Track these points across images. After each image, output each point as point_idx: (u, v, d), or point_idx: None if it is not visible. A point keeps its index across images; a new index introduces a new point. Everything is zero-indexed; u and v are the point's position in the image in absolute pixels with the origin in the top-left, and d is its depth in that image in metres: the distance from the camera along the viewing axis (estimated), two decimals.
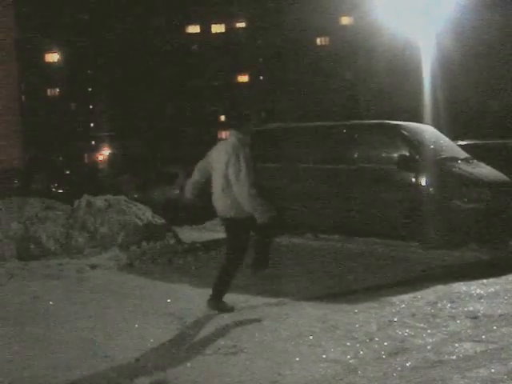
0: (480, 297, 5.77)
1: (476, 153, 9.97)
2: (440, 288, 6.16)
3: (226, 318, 5.23)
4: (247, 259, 5.55)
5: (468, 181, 8.75)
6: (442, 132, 10.49)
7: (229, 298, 5.91)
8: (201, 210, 8.97)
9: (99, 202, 9.39)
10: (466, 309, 5.34)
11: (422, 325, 4.90)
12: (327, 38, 54.71)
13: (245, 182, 5.16)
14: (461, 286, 6.20)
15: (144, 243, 8.70)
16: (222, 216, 5.48)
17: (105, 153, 56.19)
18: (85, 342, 4.63)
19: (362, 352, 4.28)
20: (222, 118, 57.30)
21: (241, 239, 5.41)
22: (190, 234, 10.50)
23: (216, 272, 5.65)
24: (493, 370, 3.72)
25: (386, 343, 4.45)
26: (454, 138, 11.19)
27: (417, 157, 9.07)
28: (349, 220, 9.53)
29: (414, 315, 5.19)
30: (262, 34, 53.25)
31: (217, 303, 5.46)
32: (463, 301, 5.62)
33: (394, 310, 5.37)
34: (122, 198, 9.83)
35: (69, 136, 53.76)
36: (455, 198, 8.65)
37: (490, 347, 4.25)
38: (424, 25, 20.18)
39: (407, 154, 9.13)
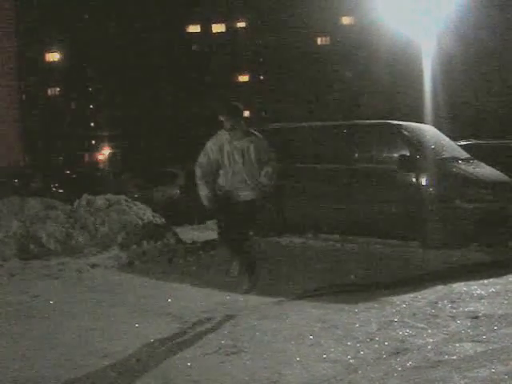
0: (481, 297, 5.76)
1: (477, 153, 9.97)
2: (440, 288, 6.16)
3: (226, 318, 5.23)
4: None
5: (469, 181, 8.75)
6: (442, 132, 10.49)
7: (228, 298, 5.92)
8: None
9: (99, 201, 9.39)
10: (466, 309, 5.33)
11: (422, 325, 4.90)
12: (328, 38, 54.67)
13: None
14: (461, 286, 6.19)
15: (144, 243, 8.69)
16: None
17: (105, 152, 56.18)
18: (85, 342, 4.63)
19: (362, 352, 4.28)
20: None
21: None
22: (190, 234, 10.49)
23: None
24: (493, 370, 3.71)
25: (386, 343, 4.45)
26: (455, 138, 11.18)
27: (417, 157, 9.07)
28: (349, 220, 9.53)
29: (414, 315, 5.19)
30: (262, 34, 53.23)
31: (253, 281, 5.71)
32: (464, 301, 5.61)
33: (394, 310, 5.37)
34: (123, 197, 9.83)
35: (69, 135, 53.74)
36: (456, 198, 8.64)
37: (491, 347, 4.25)
38: (425, 25, 20.16)
39: (408, 154, 9.12)
